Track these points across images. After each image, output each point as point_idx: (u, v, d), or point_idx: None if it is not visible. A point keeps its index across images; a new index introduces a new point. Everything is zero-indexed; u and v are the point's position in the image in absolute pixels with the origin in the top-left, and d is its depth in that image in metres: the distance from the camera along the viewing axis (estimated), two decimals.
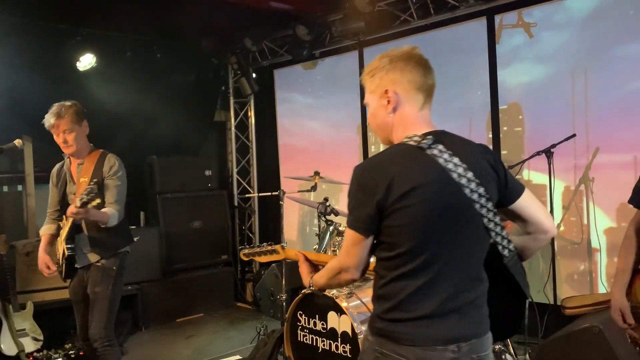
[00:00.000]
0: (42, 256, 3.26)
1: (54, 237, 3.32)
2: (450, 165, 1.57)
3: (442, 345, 1.56)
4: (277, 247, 2.28)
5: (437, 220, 1.56)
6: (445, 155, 1.58)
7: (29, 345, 4.26)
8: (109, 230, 3.15)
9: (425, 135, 1.63)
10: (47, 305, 4.58)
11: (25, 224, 5.33)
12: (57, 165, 3.40)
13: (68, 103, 3.20)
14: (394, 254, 1.59)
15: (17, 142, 3.08)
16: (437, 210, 1.55)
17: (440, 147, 1.59)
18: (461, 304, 1.59)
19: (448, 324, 1.57)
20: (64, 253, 3.17)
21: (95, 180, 2.95)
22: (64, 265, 3.20)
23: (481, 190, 1.58)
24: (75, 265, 3.22)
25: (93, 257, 3.21)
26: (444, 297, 1.57)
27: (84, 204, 2.80)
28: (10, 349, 4.17)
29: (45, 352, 4.36)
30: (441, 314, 1.57)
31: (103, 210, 3.08)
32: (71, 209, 2.89)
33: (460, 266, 1.59)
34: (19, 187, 5.34)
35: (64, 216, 3.18)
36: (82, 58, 5.36)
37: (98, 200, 2.82)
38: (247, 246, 2.36)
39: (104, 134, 5.11)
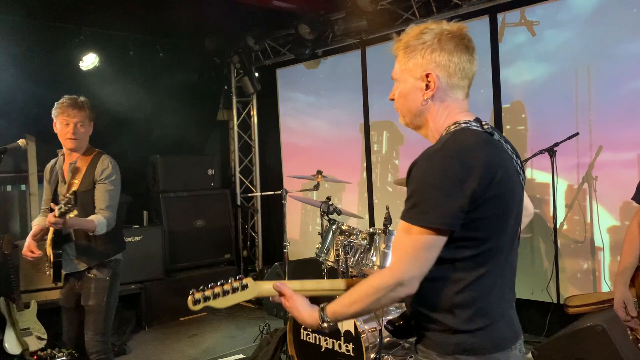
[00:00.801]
0: (29, 241, 3.09)
1: (45, 228, 3.14)
2: (510, 153, 1.51)
3: (514, 344, 1.50)
4: (247, 280, 1.66)
5: (513, 210, 1.47)
6: (503, 142, 1.51)
7: (33, 344, 4.27)
8: (97, 237, 3.01)
9: (477, 120, 1.50)
10: (51, 304, 4.58)
11: (28, 223, 5.34)
12: (51, 162, 3.30)
13: (83, 98, 3.14)
14: (479, 252, 1.41)
15: (21, 141, 3.05)
16: (516, 200, 1.48)
17: (496, 134, 1.51)
18: (513, 297, 1.55)
19: (512, 320, 1.52)
20: (49, 257, 3.07)
21: (74, 190, 2.79)
22: (51, 269, 3.07)
23: (522, 177, 1.57)
24: (63, 271, 3.08)
25: (81, 265, 3.08)
26: (506, 293, 1.50)
27: (61, 214, 2.70)
28: (14, 348, 4.19)
29: (49, 350, 4.36)
30: (507, 311, 1.50)
31: (90, 217, 2.95)
32: (50, 218, 2.77)
33: (513, 257, 1.54)
34: (23, 187, 5.35)
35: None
36: (85, 57, 5.38)
37: (75, 212, 2.71)
38: (202, 288, 1.70)
39: (107, 133, 5.12)
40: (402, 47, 1.53)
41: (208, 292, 1.68)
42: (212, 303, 1.69)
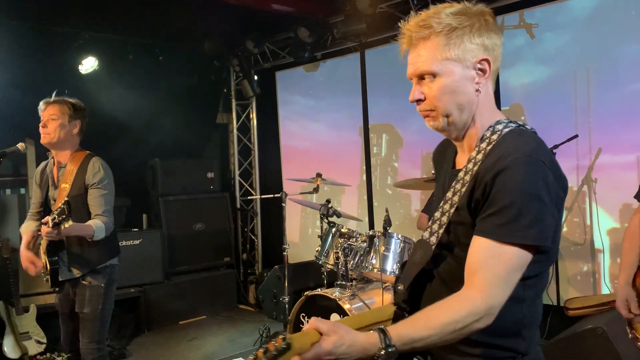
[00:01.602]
0: (24, 253, 3.03)
1: (36, 234, 3.12)
2: None
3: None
4: (292, 337, 1.18)
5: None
6: None
7: (32, 348, 4.26)
8: (91, 244, 2.95)
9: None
10: (50, 308, 4.54)
11: None
12: (42, 164, 3.23)
13: (72, 99, 3.10)
14: (545, 268, 1.34)
15: (20, 145, 3.02)
16: None
17: None
18: None
19: None
20: (46, 265, 3.03)
21: (67, 199, 2.75)
22: (48, 275, 3.04)
23: None
24: (60, 278, 3.04)
25: (75, 272, 3.03)
26: None
27: (55, 225, 2.67)
28: (13, 352, 4.18)
29: (48, 354, 4.36)
30: None
31: (88, 222, 2.90)
32: (45, 229, 2.73)
33: None
34: (22, 190, 5.35)
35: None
36: (84, 61, 5.38)
37: (70, 222, 2.68)
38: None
39: (106, 136, 5.14)
40: (439, 32, 1.29)
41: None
42: None
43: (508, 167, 1.22)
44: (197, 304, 5.87)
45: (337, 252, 3.77)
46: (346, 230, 3.85)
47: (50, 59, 5.10)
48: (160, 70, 6.01)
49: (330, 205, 3.97)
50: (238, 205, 6.96)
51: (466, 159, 1.38)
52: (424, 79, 1.34)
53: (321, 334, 1.21)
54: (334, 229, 3.90)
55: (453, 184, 1.36)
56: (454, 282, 1.30)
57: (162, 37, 5.99)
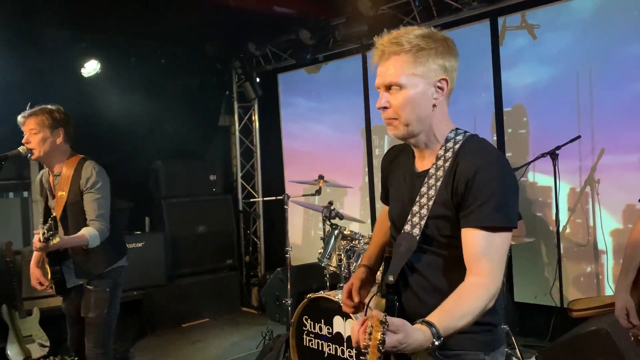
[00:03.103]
0: (34, 271, 3.02)
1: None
2: None
3: None
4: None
5: None
6: None
7: (36, 351, 4.27)
8: (95, 250, 2.90)
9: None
10: (54, 312, 4.56)
11: (30, 231, 5.34)
12: (39, 174, 3.18)
13: (51, 106, 2.99)
14: None
15: (22, 148, 2.98)
16: None
17: None
18: None
19: None
20: (49, 275, 3.02)
21: (54, 215, 2.74)
22: (52, 284, 3.03)
23: None
24: (67, 286, 3.03)
25: (82, 279, 3.02)
26: None
27: (45, 240, 2.64)
28: (17, 355, 4.19)
29: (51, 358, 4.36)
30: None
31: (81, 232, 2.84)
32: (35, 243, 2.70)
33: None
34: (25, 194, 5.35)
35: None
36: (86, 64, 5.38)
37: (57, 239, 2.65)
38: None
39: (108, 139, 5.15)
40: (409, 49, 1.48)
41: None
42: None
43: (487, 166, 1.45)
44: (200, 306, 5.87)
45: (340, 254, 3.77)
46: (349, 232, 3.84)
47: (52, 62, 5.11)
48: (162, 73, 6.01)
49: (332, 207, 3.97)
50: (240, 208, 6.96)
51: (427, 161, 1.59)
52: (390, 89, 1.53)
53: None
54: (336, 231, 3.89)
55: (426, 180, 1.54)
56: (432, 274, 1.53)
57: (164, 40, 6.00)
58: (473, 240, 1.44)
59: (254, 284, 6.59)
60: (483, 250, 1.43)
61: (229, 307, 6.12)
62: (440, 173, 1.51)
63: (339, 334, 3.43)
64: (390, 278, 1.53)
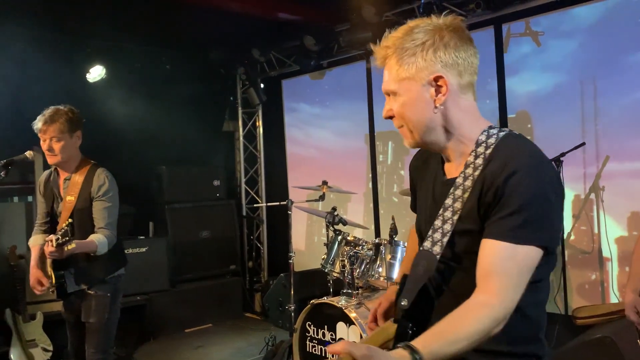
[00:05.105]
0: (34, 272, 2.99)
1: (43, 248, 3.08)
2: None
3: None
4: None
5: None
6: None
7: (39, 356, 4.26)
8: (97, 257, 2.92)
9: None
10: (57, 316, 4.54)
11: None
12: (45, 174, 3.18)
13: (63, 108, 2.98)
14: (550, 269, 1.38)
15: (28, 153, 3.02)
16: None
17: None
18: None
19: None
20: (52, 279, 3.02)
21: (70, 221, 2.75)
22: (54, 288, 3.02)
23: None
24: (68, 291, 3.03)
25: (83, 285, 3.03)
26: None
27: (59, 246, 2.66)
28: (20, 359, 4.18)
29: None
30: None
31: (90, 238, 2.88)
32: (48, 249, 2.71)
33: None
34: (29, 198, 5.37)
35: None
36: (92, 69, 5.42)
37: (73, 245, 2.69)
38: None
39: (113, 144, 5.17)
40: (393, 52, 1.34)
41: None
42: None
43: (518, 170, 1.23)
44: (202, 311, 5.86)
45: (343, 260, 3.77)
46: (352, 238, 3.84)
47: (58, 67, 5.14)
48: (167, 78, 6.04)
49: (336, 213, 3.97)
50: (244, 213, 6.97)
51: (457, 167, 1.38)
52: (390, 96, 1.39)
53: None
54: (340, 237, 3.89)
55: (451, 191, 1.34)
56: (465, 293, 1.27)
57: (169, 46, 6.03)
58: (488, 252, 1.24)
59: (257, 290, 6.59)
60: (498, 265, 1.23)
61: (232, 312, 6.11)
62: (468, 183, 1.30)
63: (342, 340, 3.42)
64: (404, 302, 1.34)
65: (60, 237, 2.65)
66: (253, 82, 6.44)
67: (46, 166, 5.13)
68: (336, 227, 3.96)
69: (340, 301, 3.51)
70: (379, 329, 1.44)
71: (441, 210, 1.35)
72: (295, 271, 4.25)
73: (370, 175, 5.74)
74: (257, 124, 7.07)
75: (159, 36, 5.66)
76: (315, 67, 5.84)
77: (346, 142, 6.04)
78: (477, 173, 1.30)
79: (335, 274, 3.87)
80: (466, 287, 1.28)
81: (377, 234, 5.59)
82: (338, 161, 6.09)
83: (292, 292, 4.29)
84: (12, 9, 4.41)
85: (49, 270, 3.05)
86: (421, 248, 1.37)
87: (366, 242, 3.80)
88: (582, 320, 3.48)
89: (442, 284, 1.38)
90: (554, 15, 4.37)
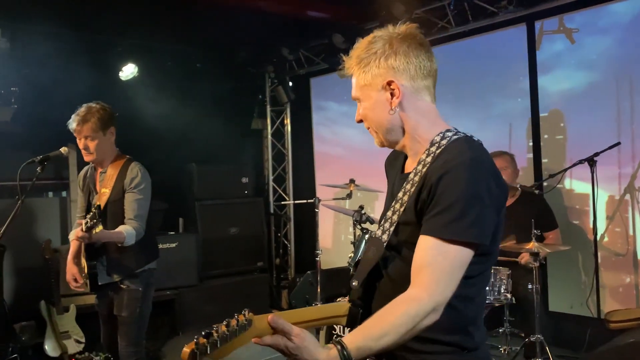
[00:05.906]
0: (70, 267, 3.06)
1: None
2: None
3: None
4: (255, 317, 1.40)
5: None
6: None
7: (72, 347, 4.37)
8: (129, 249, 2.96)
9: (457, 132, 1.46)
10: (90, 309, 4.66)
11: (69, 229, 5.49)
12: (84, 169, 3.29)
13: (95, 106, 3.04)
14: (486, 267, 1.45)
15: (63, 149, 3.08)
16: None
17: None
18: None
19: None
20: (85, 269, 3.09)
21: (98, 204, 2.82)
22: (87, 279, 3.08)
23: None
24: (99, 283, 3.08)
25: (114, 277, 3.06)
26: None
27: (88, 229, 2.71)
28: (54, 350, 4.30)
29: (87, 354, 4.46)
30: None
31: (118, 229, 2.92)
32: (77, 232, 2.78)
33: None
34: (64, 194, 5.51)
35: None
36: (124, 68, 5.52)
37: (100, 227, 2.72)
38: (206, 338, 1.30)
39: (144, 141, 5.24)
40: (354, 63, 1.48)
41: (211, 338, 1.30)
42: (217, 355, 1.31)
43: (452, 169, 1.31)
44: (230, 307, 5.82)
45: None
46: None
47: (91, 65, 5.25)
48: (197, 76, 6.11)
49: (363, 212, 3.96)
50: (272, 210, 7.01)
51: (413, 164, 1.48)
52: (358, 101, 1.53)
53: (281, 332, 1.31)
54: (367, 236, 3.88)
55: (404, 185, 1.46)
56: (403, 281, 1.35)
57: (199, 45, 6.10)
58: (421, 248, 1.32)
59: (284, 287, 6.62)
60: (428, 260, 1.29)
61: (259, 309, 5.97)
62: (416, 179, 1.41)
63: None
64: (355, 283, 1.48)
65: (88, 220, 2.71)
66: (282, 81, 6.47)
67: (80, 162, 5.26)
68: (363, 225, 3.96)
69: None
70: (333, 304, 1.54)
71: (393, 202, 1.48)
72: (322, 269, 4.26)
73: None
74: (286, 122, 7.09)
75: (190, 35, 5.73)
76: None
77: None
78: (424, 170, 1.40)
79: None
80: (403, 277, 1.36)
81: None
82: (365, 159, 6.07)
83: (318, 290, 4.31)
84: (46, 9, 4.52)
85: (83, 261, 3.12)
86: (373, 234, 1.52)
87: None
88: (615, 324, 3.40)
89: (384, 272, 1.50)
90: (589, 11, 4.26)
